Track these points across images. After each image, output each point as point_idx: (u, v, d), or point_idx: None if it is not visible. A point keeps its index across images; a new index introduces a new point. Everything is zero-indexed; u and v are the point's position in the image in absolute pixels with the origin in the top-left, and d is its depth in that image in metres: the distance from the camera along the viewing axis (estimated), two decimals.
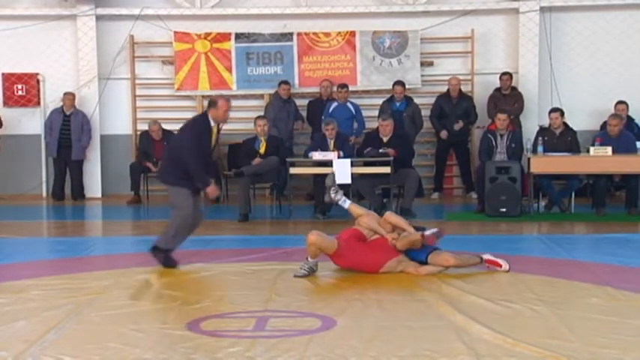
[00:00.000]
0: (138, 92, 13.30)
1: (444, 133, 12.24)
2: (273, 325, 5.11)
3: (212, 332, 4.96)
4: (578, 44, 12.88)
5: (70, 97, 12.80)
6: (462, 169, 12.67)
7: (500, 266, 6.75)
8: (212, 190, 7.04)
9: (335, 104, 12.11)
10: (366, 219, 6.82)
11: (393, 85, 12.21)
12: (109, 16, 13.12)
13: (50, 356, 4.48)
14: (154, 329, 5.03)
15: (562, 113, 10.81)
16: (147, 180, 12.41)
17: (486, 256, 6.81)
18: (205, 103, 13.12)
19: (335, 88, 12.40)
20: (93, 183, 13.16)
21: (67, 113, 12.80)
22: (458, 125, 12.17)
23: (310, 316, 5.33)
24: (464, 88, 12.94)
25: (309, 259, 6.60)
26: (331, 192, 7.04)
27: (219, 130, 7.21)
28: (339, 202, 7.04)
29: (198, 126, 7.08)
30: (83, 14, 13.01)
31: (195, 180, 6.96)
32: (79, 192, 12.88)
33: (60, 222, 11.18)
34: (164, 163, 7.41)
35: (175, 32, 13.09)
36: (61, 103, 12.84)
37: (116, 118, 13.30)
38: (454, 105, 12.25)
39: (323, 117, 11.83)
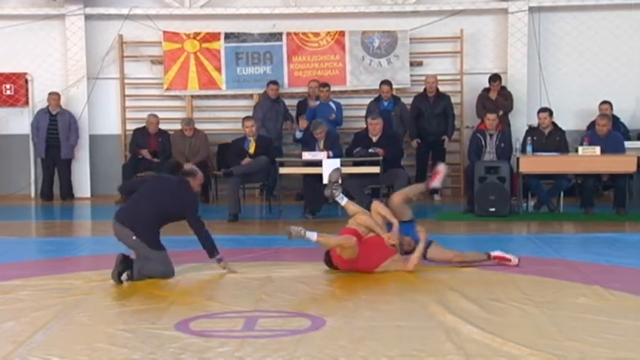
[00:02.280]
0: (127, 92, 13.27)
1: (414, 143, 12.16)
2: (263, 325, 5.11)
3: (201, 332, 4.95)
4: (566, 44, 12.93)
5: (54, 97, 12.75)
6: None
7: (510, 261, 6.87)
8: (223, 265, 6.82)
9: (317, 103, 12.11)
10: (364, 217, 6.81)
11: (380, 84, 12.19)
12: (98, 15, 13.08)
13: (38, 357, 4.46)
14: (143, 329, 5.01)
15: (551, 113, 10.84)
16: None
17: (495, 253, 6.91)
18: (194, 103, 13.19)
19: (317, 87, 12.37)
20: (82, 183, 13.11)
21: (53, 113, 12.75)
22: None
23: (299, 316, 5.32)
24: (452, 88, 13.00)
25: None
26: (333, 187, 7.01)
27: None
28: (337, 199, 7.02)
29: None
30: (72, 14, 12.96)
31: (208, 248, 6.72)
32: (67, 192, 12.84)
33: (48, 222, 11.14)
34: (145, 215, 6.61)
35: (164, 32, 13.06)
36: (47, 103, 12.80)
37: (105, 118, 13.26)
38: (431, 104, 12.19)
39: (305, 115, 11.83)
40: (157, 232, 6.67)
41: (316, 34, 12.99)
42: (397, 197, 7.10)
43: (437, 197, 12.44)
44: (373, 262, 6.65)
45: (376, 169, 10.18)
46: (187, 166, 7.38)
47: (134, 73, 13.25)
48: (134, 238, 6.53)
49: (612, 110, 11.79)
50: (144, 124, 12.52)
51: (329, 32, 12.98)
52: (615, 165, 10.19)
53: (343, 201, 7.01)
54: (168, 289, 6.15)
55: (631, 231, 9.31)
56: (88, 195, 13.07)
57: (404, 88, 12.77)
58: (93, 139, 13.16)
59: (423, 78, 12.52)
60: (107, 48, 13.13)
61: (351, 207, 6.99)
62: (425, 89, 12.31)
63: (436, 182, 7.57)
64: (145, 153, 12.19)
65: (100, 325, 5.15)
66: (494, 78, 12.31)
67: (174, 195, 6.71)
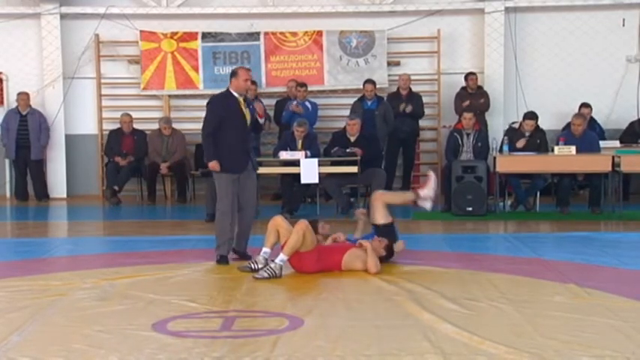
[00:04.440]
0: (103, 92, 13.19)
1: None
2: (240, 325, 5.10)
3: (178, 333, 4.93)
4: (542, 44, 13.02)
5: (23, 97, 12.63)
6: (405, 168, 12.64)
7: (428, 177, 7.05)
8: (212, 165, 7.07)
9: (294, 102, 12.10)
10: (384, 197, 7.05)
11: (364, 83, 12.17)
12: (74, 14, 12.98)
13: (13, 359, 4.42)
14: (120, 330, 4.98)
15: (537, 119, 10.86)
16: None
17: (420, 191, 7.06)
18: (172, 102, 13.14)
19: (294, 87, 12.36)
20: (58, 183, 13.02)
21: (23, 113, 12.64)
22: (405, 107, 12.09)
23: (277, 315, 5.32)
24: (430, 88, 13.06)
25: (267, 248, 6.68)
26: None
27: (248, 103, 7.25)
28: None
29: (213, 102, 7.22)
30: (47, 13, 12.86)
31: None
32: (42, 192, 12.74)
33: (23, 223, 11.05)
34: None
35: (141, 31, 13.00)
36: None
37: (81, 117, 13.18)
38: (403, 103, 12.17)
39: (284, 113, 11.84)
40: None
41: (294, 34, 12.98)
42: (378, 199, 7.11)
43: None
44: (336, 258, 6.71)
45: (354, 169, 10.20)
46: None
47: (111, 73, 13.18)
48: None
49: (592, 112, 11.89)
50: (120, 125, 12.50)
51: (307, 32, 12.98)
52: (590, 164, 10.27)
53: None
54: (146, 290, 6.11)
55: (606, 230, 9.41)
56: (64, 195, 12.97)
57: (382, 88, 12.79)
58: (69, 138, 13.07)
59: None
60: (83, 47, 13.04)
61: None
62: (398, 88, 12.35)
63: (427, 190, 7.37)
64: (119, 160, 12.18)
65: (77, 326, 5.12)
66: (469, 74, 12.38)
67: None
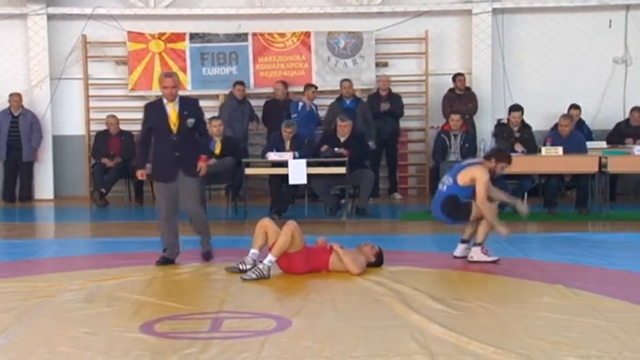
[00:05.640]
0: (91, 92, 13.14)
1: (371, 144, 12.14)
2: (228, 326, 5.09)
3: (166, 334, 4.92)
4: (529, 46, 13.07)
5: (16, 97, 12.57)
6: (389, 169, 12.66)
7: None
8: (137, 173, 7.15)
9: (301, 104, 12.10)
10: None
11: (341, 81, 12.16)
12: (61, 15, 12.93)
13: None
14: (107, 332, 4.97)
15: (522, 112, 10.96)
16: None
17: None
18: None
19: (303, 89, 12.29)
20: (45, 184, 12.96)
21: (15, 114, 12.58)
22: (385, 105, 12.11)
23: (265, 316, 5.32)
24: (418, 89, 13.08)
25: (255, 249, 6.69)
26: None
27: (184, 110, 7.08)
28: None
29: (144, 110, 7.31)
30: (34, 13, 12.80)
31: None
32: (26, 194, 12.67)
33: (10, 224, 10.97)
34: None
35: (129, 32, 12.96)
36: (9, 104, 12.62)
37: (69, 118, 13.12)
38: (383, 104, 12.20)
39: (295, 115, 11.86)
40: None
41: (282, 35, 12.98)
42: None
43: (397, 196, 12.50)
44: (324, 258, 6.72)
45: (342, 170, 10.19)
46: None
47: (98, 74, 13.13)
48: None
49: (581, 114, 11.94)
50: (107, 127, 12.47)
51: (295, 33, 12.98)
52: (577, 165, 10.31)
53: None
54: (133, 291, 6.09)
55: (593, 230, 9.44)
56: (52, 197, 12.92)
57: (369, 89, 12.80)
58: (56, 139, 13.01)
59: (389, 79, 12.54)
60: (70, 48, 12.99)
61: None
62: (378, 89, 12.37)
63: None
64: (106, 161, 12.15)
65: (63, 327, 5.09)
66: (458, 75, 12.42)
67: None
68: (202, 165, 7.17)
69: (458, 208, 7.25)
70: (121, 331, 4.97)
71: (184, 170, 7.05)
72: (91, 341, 4.77)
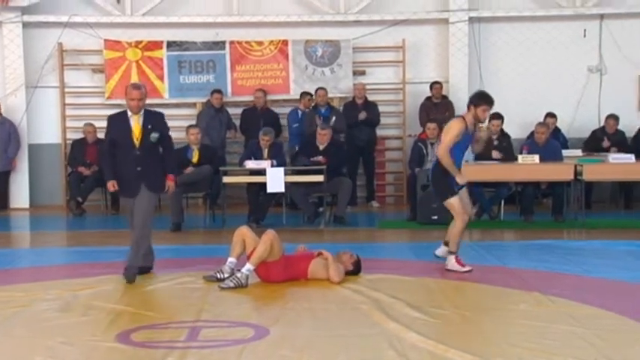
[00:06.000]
0: (67, 101, 13.06)
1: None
2: (206, 335, 5.07)
3: (143, 343, 4.89)
4: (505, 54, 13.16)
5: None
6: (367, 177, 12.69)
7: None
8: (108, 185, 6.96)
9: (300, 113, 12.14)
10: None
11: (316, 90, 12.18)
12: (37, 23, 12.85)
13: None
14: (83, 342, 4.93)
15: (502, 120, 11.04)
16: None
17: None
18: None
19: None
20: (21, 193, 12.85)
21: None
22: (362, 115, 12.13)
23: (243, 325, 5.30)
24: (395, 97, 13.14)
25: (233, 258, 6.68)
26: None
27: (149, 123, 6.92)
28: None
29: (107, 122, 7.13)
30: (9, 21, 12.71)
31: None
32: (2, 203, 12.54)
33: None
34: None
35: (106, 40, 12.90)
36: None
37: (45, 127, 13.03)
38: (359, 112, 12.25)
39: (296, 125, 11.96)
40: None
41: (259, 43, 12.98)
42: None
43: (375, 204, 12.53)
44: (302, 266, 6.72)
45: (320, 178, 10.20)
46: None
47: (74, 82, 13.06)
48: None
49: (557, 122, 12.04)
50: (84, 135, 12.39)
51: (272, 41, 12.99)
52: (553, 173, 10.39)
53: None
54: (110, 300, 6.05)
55: (569, 238, 9.51)
56: (27, 205, 12.81)
57: (347, 97, 12.83)
58: (32, 148, 12.92)
59: (366, 87, 12.58)
60: (46, 56, 12.91)
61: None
62: (354, 97, 12.41)
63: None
64: (83, 170, 12.07)
65: (39, 337, 5.05)
66: (434, 83, 12.49)
67: None
68: (170, 184, 7.05)
69: (439, 180, 7.24)
70: (97, 341, 4.94)
71: (147, 185, 6.87)
72: (67, 351, 4.73)
